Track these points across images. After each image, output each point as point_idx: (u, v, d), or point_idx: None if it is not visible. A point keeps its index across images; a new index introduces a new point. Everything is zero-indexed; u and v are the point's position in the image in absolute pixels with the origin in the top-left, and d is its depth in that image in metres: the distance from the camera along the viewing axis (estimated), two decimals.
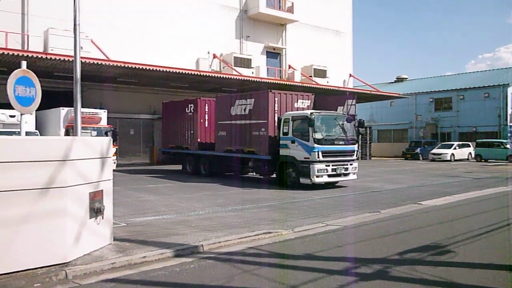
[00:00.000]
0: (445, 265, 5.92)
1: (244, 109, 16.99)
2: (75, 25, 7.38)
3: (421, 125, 43.29)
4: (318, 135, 14.41)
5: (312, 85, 28.53)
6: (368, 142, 35.87)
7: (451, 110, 41.49)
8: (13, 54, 17.29)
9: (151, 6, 25.65)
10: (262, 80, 25.59)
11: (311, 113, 14.65)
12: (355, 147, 15.69)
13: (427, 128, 42.70)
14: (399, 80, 52.20)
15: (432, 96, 42.95)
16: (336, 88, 29.60)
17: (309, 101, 17.09)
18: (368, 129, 35.63)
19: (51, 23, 21.32)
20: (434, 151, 34.58)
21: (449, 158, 33.17)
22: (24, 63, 6.32)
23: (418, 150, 36.61)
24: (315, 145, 14.29)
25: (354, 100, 18.17)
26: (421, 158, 35.80)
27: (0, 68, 18.85)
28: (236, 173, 19.09)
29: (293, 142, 14.95)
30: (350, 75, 36.48)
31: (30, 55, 17.80)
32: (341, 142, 15.04)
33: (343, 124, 15.32)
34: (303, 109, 16.48)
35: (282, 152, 15.36)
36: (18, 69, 6.13)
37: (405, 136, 44.28)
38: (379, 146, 43.56)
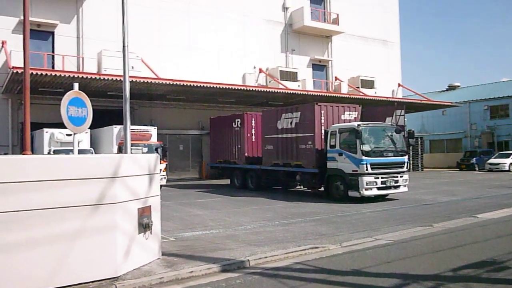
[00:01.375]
0: (503, 282, 5.61)
1: (291, 123, 16.96)
2: (124, 47, 7.69)
3: (476, 134, 41.57)
4: (366, 147, 14.15)
5: (360, 96, 28.13)
6: (419, 153, 34.80)
7: (508, 117, 39.60)
8: (69, 76, 18.20)
9: (198, 23, 26.29)
10: (308, 93, 25.50)
11: (358, 125, 14.42)
12: (405, 158, 15.26)
13: (483, 137, 40.94)
14: (451, 88, 50.49)
15: (487, 104, 41.21)
16: (384, 99, 29.02)
17: (356, 112, 16.83)
18: (419, 139, 34.60)
19: (104, 45, 22.28)
20: (491, 161, 33.04)
21: (507, 168, 31.57)
22: (76, 85, 6.63)
23: (473, 160, 35.10)
24: (363, 157, 14.02)
25: (403, 111, 17.77)
26: (477, 169, 34.29)
27: (58, 89, 19.84)
28: (283, 187, 19.05)
29: (340, 154, 14.74)
30: (399, 85, 35.68)
31: (84, 76, 18.67)
32: (390, 154, 14.68)
33: (392, 135, 14.96)
34: (350, 121, 16.25)
35: (330, 165, 15.17)
36: (71, 91, 6.45)
37: (459, 146, 42.63)
38: (432, 156, 42.15)
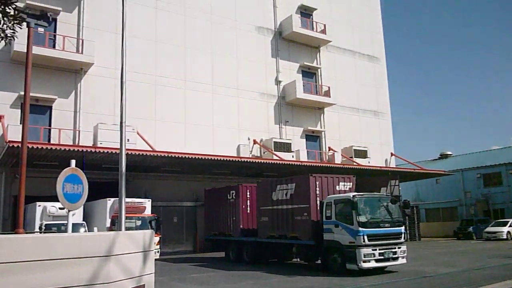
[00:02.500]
0: None
1: (286, 194, 16.95)
2: (121, 123, 7.84)
3: (471, 202, 41.53)
4: (362, 218, 14.06)
5: (353, 166, 28.35)
6: (416, 222, 34.52)
7: (502, 185, 39.81)
8: (64, 149, 18.32)
9: (194, 97, 26.94)
10: (303, 164, 25.69)
11: (353, 196, 14.43)
12: (402, 229, 15.13)
13: (478, 205, 40.88)
14: (443, 156, 51.15)
15: (480, 172, 41.57)
16: (378, 168, 29.26)
17: (351, 183, 16.91)
18: (414, 208, 34.47)
19: (101, 118, 22.66)
20: (488, 229, 32.76)
21: (505, 237, 31.24)
22: (73, 162, 6.68)
23: (470, 229, 34.79)
24: (360, 229, 13.89)
25: (397, 181, 17.85)
26: (474, 238, 33.89)
27: (53, 162, 19.88)
28: (280, 260, 18.64)
29: (336, 226, 14.60)
30: (392, 154, 36.12)
31: (80, 149, 18.80)
32: (387, 225, 14.57)
33: (387, 206, 14.94)
34: (345, 191, 16.27)
35: (326, 236, 14.98)
36: (68, 168, 6.48)
37: (455, 214, 42.43)
38: (428, 226, 41.78)
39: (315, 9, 33.79)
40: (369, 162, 31.55)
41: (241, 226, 19.52)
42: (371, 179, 22.14)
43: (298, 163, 26.04)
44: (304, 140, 31.69)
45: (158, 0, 26.79)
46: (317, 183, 16.00)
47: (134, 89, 23.15)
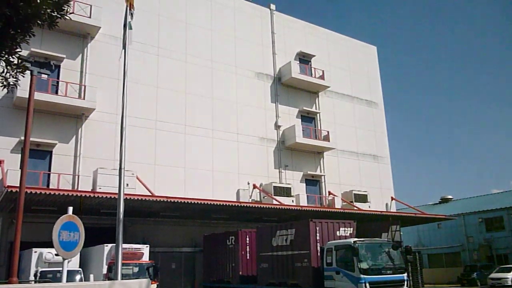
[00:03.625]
0: None
1: (286, 240, 16.77)
2: (120, 168, 7.85)
3: (474, 247, 40.89)
4: (363, 265, 13.85)
5: (354, 211, 28.12)
6: (418, 268, 33.74)
7: (504, 230, 39.34)
8: (63, 194, 18.22)
9: (193, 142, 27.07)
10: (303, 208, 25.50)
11: (354, 242, 14.28)
12: (405, 275, 14.87)
13: (481, 250, 40.22)
14: (444, 200, 50.82)
15: (481, 216, 41.17)
16: (379, 213, 28.99)
17: (351, 228, 16.76)
18: (417, 254, 33.87)
19: (101, 163, 22.69)
20: (493, 275, 32.10)
21: (510, 283, 30.56)
22: (70, 209, 6.64)
23: (474, 275, 34.08)
24: (362, 276, 13.65)
25: (398, 226, 17.69)
26: (479, 284, 33.15)
27: (51, 207, 19.73)
28: None
29: (338, 273, 14.36)
30: (392, 198, 35.91)
31: (79, 194, 18.70)
32: (389, 271, 14.35)
33: (389, 252, 14.76)
34: (345, 237, 16.11)
35: (327, 284, 14.70)
36: (65, 215, 6.43)
37: (458, 259, 41.67)
38: (432, 272, 40.92)
39: (314, 55, 34.54)
40: (369, 207, 31.32)
41: (240, 273, 19.18)
42: (372, 224, 21.90)
43: (298, 208, 25.85)
44: (304, 184, 31.60)
45: (160, 48, 27.42)
46: (317, 228, 15.87)
47: (134, 134, 23.32)
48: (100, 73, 24.68)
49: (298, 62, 33.36)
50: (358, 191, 32.24)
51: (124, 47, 10.57)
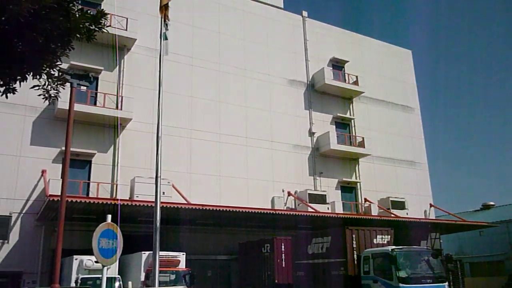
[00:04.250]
0: None
1: (322, 247, 16.58)
2: (156, 177, 7.98)
3: None
4: (402, 273, 13.53)
5: (391, 218, 27.56)
6: (460, 277, 32.69)
7: None
8: (101, 202, 18.69)
9: (228, 150, 27.26)
10: (338, 216, 25.20)
11: (392, 250, 13.99)
12: (446, 285, 14.41)
13: None
14: (486, 207, 49.06)
15: None
16: (417, 220, 28.29)
17: (389, 236, 16.41)
18: (458, 262, 32.83)
19: (138, 171, 23.13)
20: None
21: None
22: (109, 217, 6.80)
23: None
24: (400, 285, 13.33)
25: (437, 233, 17.21)
26: None
27: (91, 215, 20.24)
28: None
29: (375, 281, 14.07)
30: (431, 205, 34.97)
31: (117, 203, 19.12)
32: (428, 280, 13.93)
33: (428, 260, 14.35)
34: (383, 245, 15.78)
35: None
36: (104, 223, 6.58)
37: (502, 268, 40.07)
38: (474, 281, 39.49)
39: (347, 61, 34.26)
40: (407, 214, 30.60)
41: (276, 281, 19.08)
42: (410, 232, 21.40)
43: (333, 215, 25.57)
44: (339, 191, 31.24)
45: (193, 58, 27.84)
46: (354, 236, 15.62)
47: (169, 143, 23.68)
48: (136, 84, 25.27)
49: (331, 68, 33.15)
50: (395, 197, 31.59)
51: (160, 57, 10.79)
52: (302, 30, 33.55)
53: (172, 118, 24.74)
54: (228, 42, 29.64)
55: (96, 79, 24.29)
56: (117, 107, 23.78)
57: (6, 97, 6.94)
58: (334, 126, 32.43)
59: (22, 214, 21.08)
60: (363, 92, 33.68)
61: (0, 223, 20.51)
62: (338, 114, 32.64)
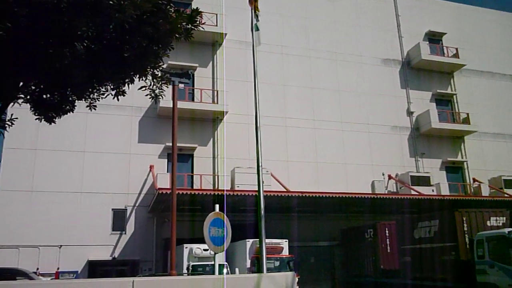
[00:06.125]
0: None
1: (429, 232, 15.87)
2: (258, 167, 8.16)
3: None
4: None
5: (506, 198, 25.55)
6: None
7: None
8: (206, 194, 19.58)
9: (323, 136, 27.03)
10: (445, 198, 23.90)
11: (509, 232, 12.97)
12: None
13: None
14: None
15: None
16: None
17: (504, 217, 15.26)
18: None
19: (236, 162, 23.81)
20: None
21: None
22: (217, 206, 7.10)
23: None
24: None
25: None
26: None
27: (195, 206, 21.28)
28: None
29: (491, 266, 13.17)
30: None
31: (221, 193, 19.90)
32: None
33: None
34: (498, 227, 14.69)
35: (480, 278, 13.57)
36: (212, 212, 6.89)
37: None
38: None
39: (444, 33, 32.18)
40: None
41: (382, 266, 18.63)
42: None
43: (439, 197, 24.30)
44: (444, 172, 29.58)
45: (283, 46, 27.90)
46: (464, 218, 14.74)
47: (265, 132, 23.94)
48: (229, 77, 25.93)
49: (428, 42, 31.32)
50: (509, 176, 29.17)
51: (253, 49, 10.97)
52: (393, 6, 32.08)
53: (266, 108, 25.01)
54: (317, 27, 29.27)
55: (192, 75, 25.34)
56: (213, 101, 24.65)
57: (118, 99, 7.51)
58: (434, 104, 30.69)
59: (135, 207, 22.74)
60: (465, 65, 31.40)
61: (117, 216, 22.35)
62: (438, 91, 30.81)
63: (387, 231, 19.01)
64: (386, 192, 26.64)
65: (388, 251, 18.78)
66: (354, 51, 29.67)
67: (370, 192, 26.04)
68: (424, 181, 26.77)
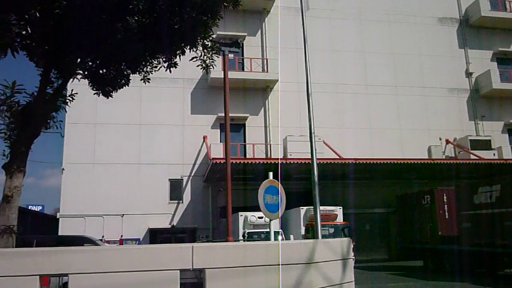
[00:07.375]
0: None
1: (490, 197, 15.28)
2: (310, 134, 8.11)
3: None
4: None
5: None
6: None
7: None
8: (259, 162, 19.77)
9: (376, 101, 26.36)
10: (507, 162, 22.85)
11: None
12: None
13: None
14: None
15: None
16: None
17: None
18: None
19: (288, 131, 23.77)
20: None
21: None
22: (270, 174, 7.16)
23: None
24: None
25: None
26: None
27: (249, 175, 21.58)
28: (488, 270, 16.79)
29: None
30: None
31: (272, 162, 20.03)
32: None
33: None
34: None
35: None
36: (266, 180, 6.97)
37: None
38: None
39: None
40: None
41: (440, 233, 18.23)
42: None
43: (501, 161, 23.26)
44: (507, 135, 28.18)
45: (332, 10, 27.12)
46: None
47: (316, 100, 23.54)
48: (278, 45, 25.62)
49: None
50: None
51: (302, 14, 10.75)
52: None
53: (316, 74, 24.60)
54: None
55: (242, 45, 25.24)
56: (263, 70, 24.53)
57: (170, 71, 7.63)
58: (495, 63, 29.01)
59: (191, 177, 23.39)
60: None
61: (174, 186, 23.11)
62: (500, 49, 29.03)
63: (445, 197, 18.49)
64: (443, 157, 25.81)
65: (446, 217, 18.31)
66: (408, 10, 28.40)
67: (427, 157, 25.32)
68: (484, 144, 25.66)
